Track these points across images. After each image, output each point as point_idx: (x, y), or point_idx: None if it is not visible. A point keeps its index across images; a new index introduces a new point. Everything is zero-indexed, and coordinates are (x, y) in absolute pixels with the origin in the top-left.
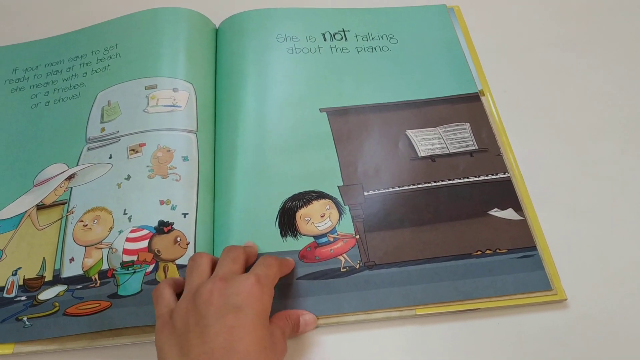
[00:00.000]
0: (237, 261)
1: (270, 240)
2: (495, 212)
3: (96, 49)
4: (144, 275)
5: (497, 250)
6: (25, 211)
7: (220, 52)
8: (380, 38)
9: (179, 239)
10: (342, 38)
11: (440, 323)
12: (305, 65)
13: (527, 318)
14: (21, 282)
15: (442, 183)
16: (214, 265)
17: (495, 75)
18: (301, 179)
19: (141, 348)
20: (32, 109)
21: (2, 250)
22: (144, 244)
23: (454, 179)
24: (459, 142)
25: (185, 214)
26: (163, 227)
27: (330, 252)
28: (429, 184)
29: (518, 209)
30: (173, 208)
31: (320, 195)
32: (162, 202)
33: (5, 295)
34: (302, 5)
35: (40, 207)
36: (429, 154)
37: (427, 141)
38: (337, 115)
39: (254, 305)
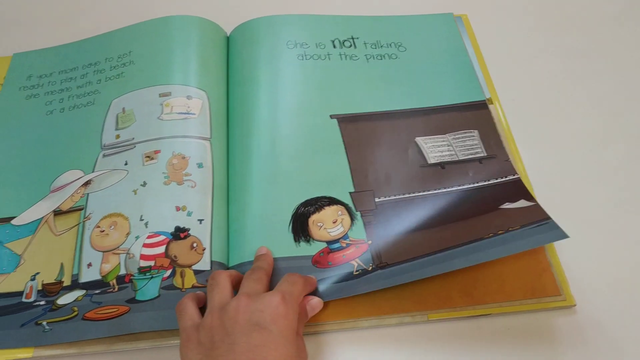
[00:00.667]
0: (260, 282)
1: (284, 245)
2: (507, 206)
3: (110, 57)
4: (162, 281)
5: (510, 229)
6: (42, 217)
7: (231, 59)
8: (389, 46)
9: (195, 244)
10: (351, 45)
11: (452, 328)
12: (315, 72)
13: (536, 323)
14: (40, 287)
15: (452, 189)
16: (233, 280)
17: (503, 84)
18: (313, 185)
19: (159, 352)
20: (47, 116)
21: (20, 255)
22: (161, 249)
23: (463, 185)
24: (468, 149)
25: (200, 220)
26: (179, 233)
27: (343, 257)
28: (439, 190)
29: (530, 199)
30: (189, 214)
31: (332, 201)
32: (177, 209)
33: (24, 300)
34: (312, 13)
35: (57, 212)
36: (438, 161)
37: (436, 148)
38: (348, 122)
39: (278, 323)
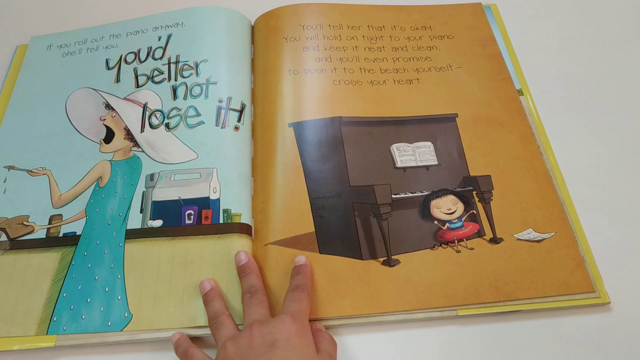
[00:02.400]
0: (263, 304)
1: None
2: None
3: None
4: None
5: None
6: None
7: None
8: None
9: None
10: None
11: (482, 324)
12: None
13: (569, 321)
14: None
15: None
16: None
17: (533, 75)
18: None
19: None
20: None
21: None
22: None
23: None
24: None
25: None
26: None
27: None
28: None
29: None
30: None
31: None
32: None
33: None
34: (336, 2)
35: None
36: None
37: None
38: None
39: (292, 341)
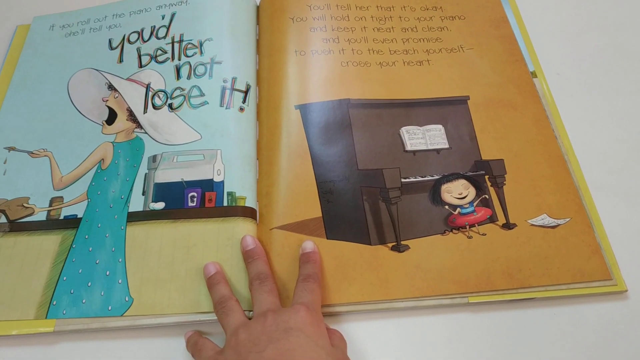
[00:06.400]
0: (273, 292)
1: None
2: None
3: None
4: None
5: None
6: None
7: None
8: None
9: None
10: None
11: (493, 312)
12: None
13: (584, 309)
14: None
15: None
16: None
17: (547, 57)
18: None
19: (183, 328)
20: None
21: None
22: None
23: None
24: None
25: None
26: None
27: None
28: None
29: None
30: None
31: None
32: None
33: None
34: None
35: None
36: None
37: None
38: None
39: (307, 329)
